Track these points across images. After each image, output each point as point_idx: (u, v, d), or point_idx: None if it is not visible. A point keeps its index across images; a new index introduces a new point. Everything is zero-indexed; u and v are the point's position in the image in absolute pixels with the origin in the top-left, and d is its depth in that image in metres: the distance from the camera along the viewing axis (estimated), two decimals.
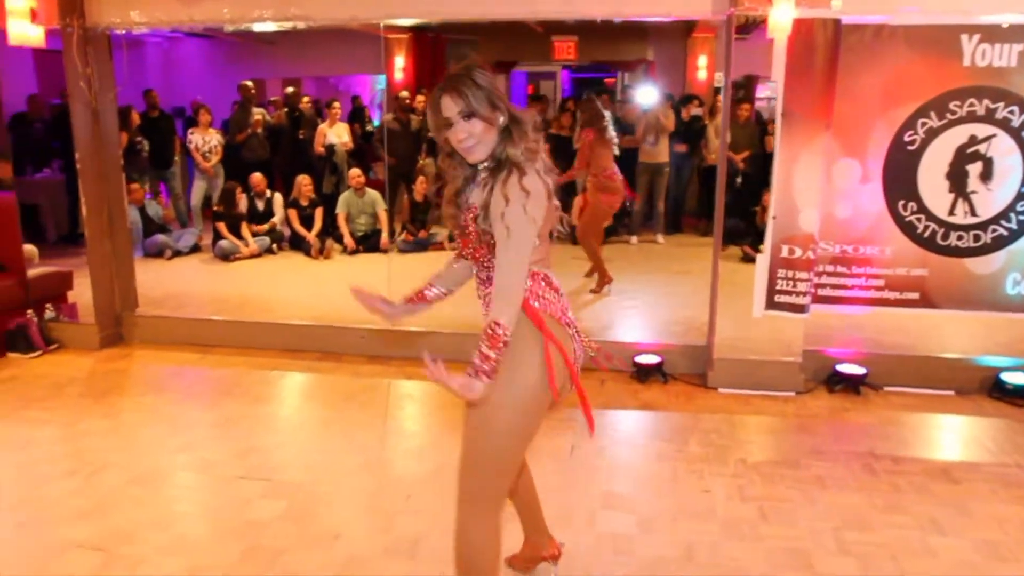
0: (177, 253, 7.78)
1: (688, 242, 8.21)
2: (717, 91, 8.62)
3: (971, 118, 3.97)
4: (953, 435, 3.89)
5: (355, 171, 8.08)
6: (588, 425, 2.20)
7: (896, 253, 4.18)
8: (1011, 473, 3.37)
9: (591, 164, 6.10)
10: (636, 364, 4.46)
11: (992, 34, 3.87)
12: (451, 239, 6.36)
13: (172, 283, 6.68)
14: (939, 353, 4.42)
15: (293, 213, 7.98)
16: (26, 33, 4.73)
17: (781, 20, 3.87)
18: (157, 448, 3.67)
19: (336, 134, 8.84)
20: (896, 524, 2.95)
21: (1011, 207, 4.04)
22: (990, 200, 4.05)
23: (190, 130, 8.61)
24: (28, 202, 7.10)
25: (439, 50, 10.58)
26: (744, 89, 9.02)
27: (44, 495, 3.20)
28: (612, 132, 6.17)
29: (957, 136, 4.01)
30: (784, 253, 4.12)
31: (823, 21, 3.88)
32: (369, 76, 11.74)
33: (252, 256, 7.70)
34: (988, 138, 3.98)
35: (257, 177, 8.08)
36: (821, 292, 4.26)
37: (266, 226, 7.96)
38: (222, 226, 7.74)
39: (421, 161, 8.70)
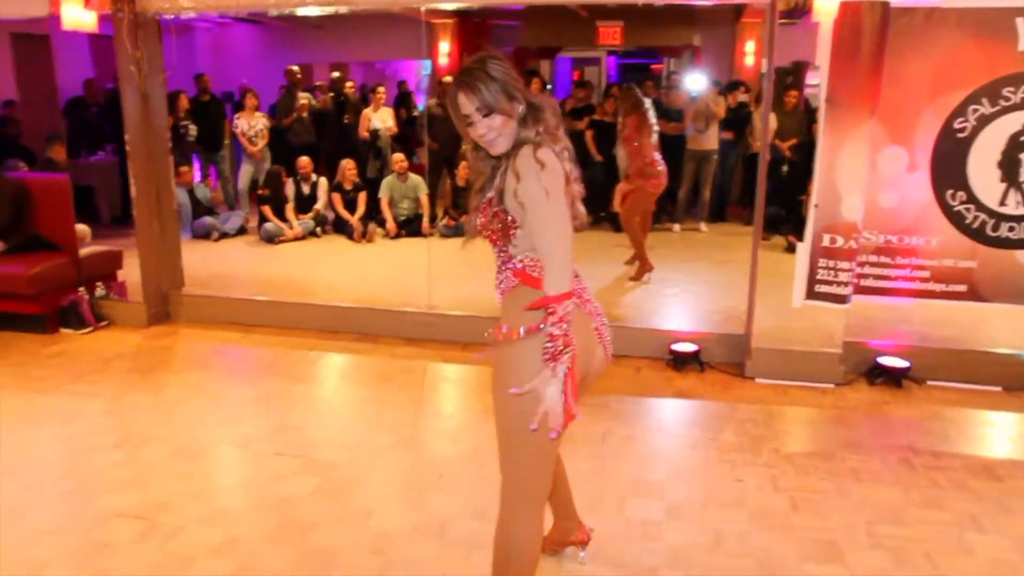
0: (224, 235, 7.93)
1: (732, 231, 8.10)
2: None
3: None
4: (998, 432, 3.78)
5: (398, 156, 8.14)
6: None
7: (943, 244, 4.07)
8: None
9: (635, 150, 6.07)
10: (672, 352, 4.43)
11: None
12: None
13: (218, 264, 6.82)
14: (987, 348, 4.30)
15: (337, 197, 8.08)
16: (80, 18, 4.87)
17: (827, 3, 3.78)
18: (198, 423, 3.77)
19: (380, 119, 8.91)
20: (933, 520, 2.89)
21: None
22: None
23: (236, 114, 8.77)
24: (83, 184, 7.29)
25: (483, 35, 10.56)
26: (793, 76, 8.83)
27: (90, 465, 3.32)
28: (652, 117, 6.12)
29: (1011, 123, 3.87)
30: (826, 242, 4.04)
31: (871, 4, 3.77)
32: (415, 61, 11.80)
33: (296, 239, 7.82)
34: None
35: (303, 161, 8.18)
36: (864, 283, 4.18)
37: (311, 214, 8.07)
38: (267, 209, 7.88)
39: (464, 146, 8.70)
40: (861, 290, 4.17)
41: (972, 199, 3.99)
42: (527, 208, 1.89)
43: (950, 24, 3.83)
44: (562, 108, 8.85)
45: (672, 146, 7.58)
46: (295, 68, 9.20)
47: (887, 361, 4.20)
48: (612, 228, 7.57)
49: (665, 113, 7.96)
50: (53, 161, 6.75)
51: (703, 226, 8.20)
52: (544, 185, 1.86)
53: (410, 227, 7.90)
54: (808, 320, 4.22)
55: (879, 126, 3.94)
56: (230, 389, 4.25)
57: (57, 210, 5.27)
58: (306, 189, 8.15)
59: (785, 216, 7.31)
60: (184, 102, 8.23)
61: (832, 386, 4.15)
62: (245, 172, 8.81)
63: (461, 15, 10.03)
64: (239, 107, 8.89)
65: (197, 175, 8.31)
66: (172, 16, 5.07)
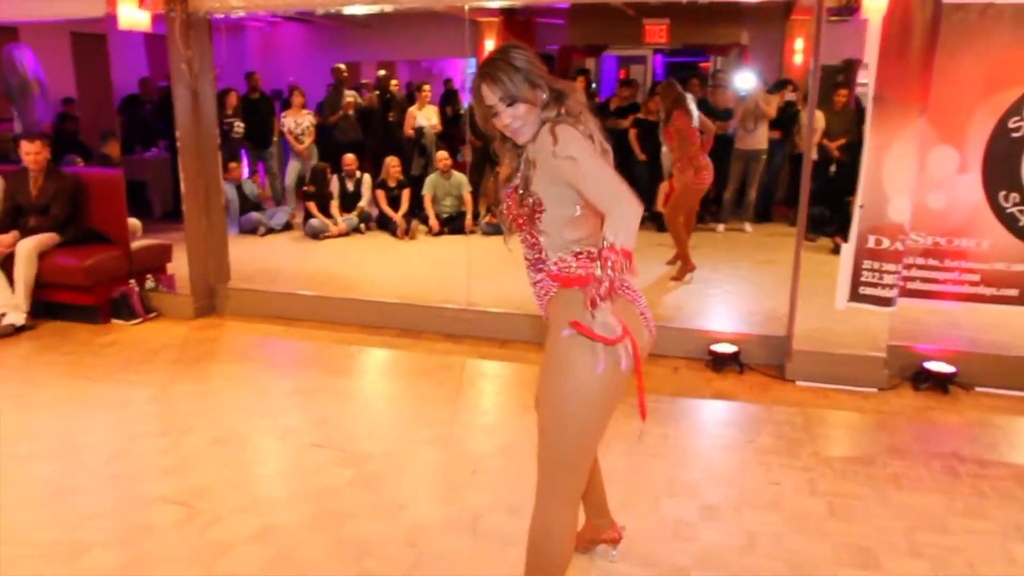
0: (270, 230, 8.08)
1: (777, 231, 7.96)
2: None
3: None
4: None
5: (442, 153, 8.20)
6: (640, 411, 2.09)
7: (994, 247, 3.96)
8: None
9: (681, 145, 6.01)
10: (712, 353, 4.38)
11: None
12: None
13: (264, 259, 6.96)
14: None
15: (381, 194, 8.17)
16: (134, 18, 5.01)
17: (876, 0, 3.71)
18: (240, 413, 3.86)
19: (425, 117, 8.98)
20: (975, 529, 2.82)
21: None
22: None
23: (283, 113, 8.92)
24: (137, 179, 7.49)
25: (529, 34, 10.57)
26: (844, 74, 8.65)
27: (135, 451, 3.42)
28: (694, 109, 6.06)
29: None
30: (871, 244, 3.96)
31: (922, 0, 3.69)
32: (462, 59, 11.86)
33: (340, 235, 7.94)
34: None
35: (350, 157, 8.29)
36: (910, 286, 4.08)
37: (355, 211, 8.17)
38: (312, 205, 8.00)
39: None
40: (908, 293, 4.08)
41: None
42: (571, 178, 1.88)
43: (1006, 20, 3.71)
44: (606, 107, 8.88)
45: (718, 146, 7.49)
46: (341, 66, 9.32)
47: (933, 366, 4.09)
48: (655, 227, 7.52)
49: (711, 112, 7.86)
50: (108, 157, 6.96)
51: (748, 226, 8.09)
52: (570, 153, 1.86)
53: (453, 224, 7.96)
54: (851, 323, 4.14)
55: (928, 125, 3.85)
56: (272, 381, 4.33)
57: (110, 205, 5.43)
58: (350, 186, 8.26)
59: (831, 217, 7.17)
60: (233, 100, 8.40)
61: (875, 390, 4.07)
62: (292, 169, 8.96)
63: (506, 13, 10.04)
64: (287, 105, 9.04)
65: (245, 171, 8.47)
66: (222, 15, 5.18)
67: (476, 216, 8.06)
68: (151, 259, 5.56)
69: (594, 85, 11.54)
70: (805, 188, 4.29)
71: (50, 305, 5.21)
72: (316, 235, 7.85)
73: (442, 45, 10.16)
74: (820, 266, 4.73)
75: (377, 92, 9.84)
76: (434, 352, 4.71)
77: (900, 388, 4.11)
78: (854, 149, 7.30)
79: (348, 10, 4.92)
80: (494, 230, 7.76)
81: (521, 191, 1.99)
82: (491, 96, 1.97)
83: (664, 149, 7.66)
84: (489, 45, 10.20)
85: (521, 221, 2.03)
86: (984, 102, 3.83)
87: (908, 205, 3.89)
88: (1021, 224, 3.90)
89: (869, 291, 4.02)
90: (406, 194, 8.15)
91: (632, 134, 8.15)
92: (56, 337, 4.93)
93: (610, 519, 2.60)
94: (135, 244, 5.48)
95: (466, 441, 3.61)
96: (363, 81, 10.59)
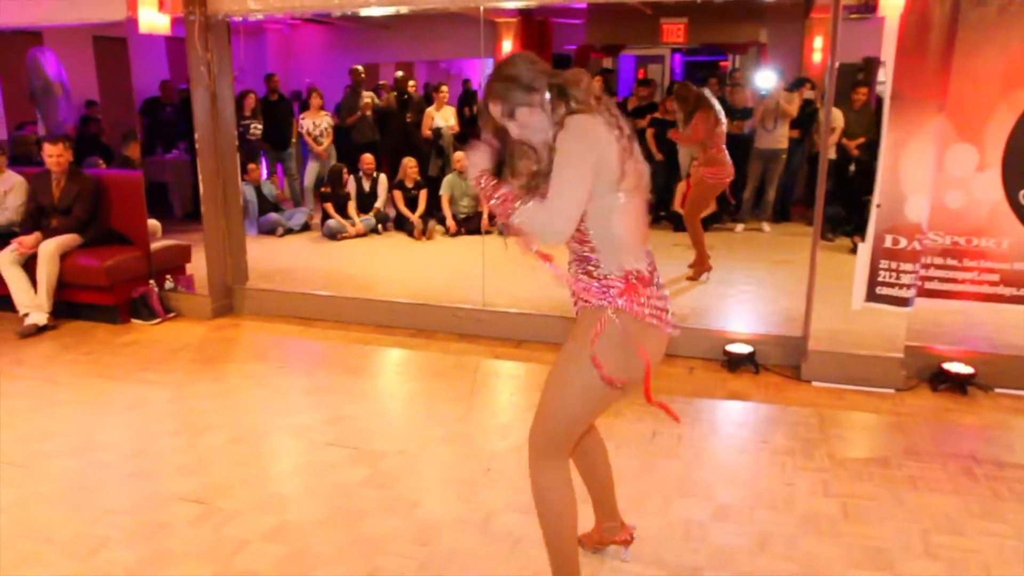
0: (288, 231, 8.14)
1: (795, 231, 7.91)
2: None
3: None
4: None
5: (459, 154, 8.22)
6: (671, 416, 2.24)
7: (1014, 246, 3.91)
8: None
9: (704, 141, 5.96)
10: (727, 353, 4.36)
11: None
12: None
13: (282, 259, 7.02)
14: None
15: (398, 194, 8.20)
16: (154, 21, 5.07)
17: None
18: (257, 412, 3.90)
19: (443, 118, 9.01)
20: (992, 532, 2.79)
21: None
22: None
23: (302, 114, 8.98)
24: (157, 181, 7.58)
25: (546, 34, 10.57)
26: (864, 72, 8.57)
27: (154, 450, 3.47)
28: (717, 104, 5.99)
29: None
30: (888, 243, 3.93)
31: None
32: (479, 60, 11.87)
33: (358, 236, 7.98)
34: None
35: (367, 157, 8.33)
36: (928, 286, 4.04)
37: (372, 212, 8.21)
38: (329, 206, 8.05)
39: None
40: (926, 293, 4.04)
41: None
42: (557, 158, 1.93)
43: None
44: (624, 107, 8.85)
45: (736, 145, 7.45)
46: (359, 68, 9.37)
47: (952, 367, 4.05)
48: (672, 227, 7.50)
49: (730, 111, 7.82)
50: (129, 159, 7.04)
51: (766, 226, 8.05)
52: (560, 143, 1.91)
53: (470, 225, 7.97)
54: (868, 323, 4.11)
55: (947, 123, 3.81)
56: (288, 380, 4.37)
57: (131, 206, 5.51)
58: (367, 186, 8.30)
59: (848, 216, 7.11)
60: (251, 102, 8.46)
61: (892, 391, 4.03)
62: (311, 170, 9.01)
63: (524, 14, 10.05)
64: (305, 107, 9.11)
65: (264, 173, 8.54)
66: (241, 18, 5.24)
67: (492, 216, 8.05)
68: (170, 260, 5.62)
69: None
70: (821, 187, 4.27)
71: (71, 305, 5.29)
72: (334, 236, 7.90)
73: (460, 46, 10.17)
74: (838, 266, 4.70)
75: (395, 93, 9.88)
76: (448, 352, 4.73)
77: (918, 389, 4.07)
78: (874, 148, 7.26)
79: (365, 12, 4.94)
80: None
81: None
82: (497, 113, 2.02)
83: (681, 149, 7.62)
84: (507, 46, 10.22)
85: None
86: (1003, 99, 3.79)
87: (926, 204, 3.85)
88: None
89: (886, 291, 3.99)
90: (423, 195, 8.18)
91: (649, 133, 8.13)
92: (77, 337, 5.00)
93: (620, 521, 2.60)
94: (155, 245, 5.55)
95: (479, 440, 3.62)
96: (381, 82, 10.63)
